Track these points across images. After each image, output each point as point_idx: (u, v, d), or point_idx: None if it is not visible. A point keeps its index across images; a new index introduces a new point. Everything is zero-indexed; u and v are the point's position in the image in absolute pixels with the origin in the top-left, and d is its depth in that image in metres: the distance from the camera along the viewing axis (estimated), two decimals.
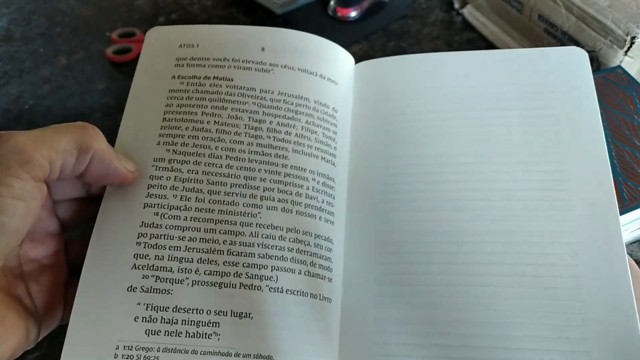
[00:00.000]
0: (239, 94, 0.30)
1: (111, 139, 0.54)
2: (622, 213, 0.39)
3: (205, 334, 0.24)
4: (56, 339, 0.41)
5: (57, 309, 0.26)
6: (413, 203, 0.28)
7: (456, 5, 0.66)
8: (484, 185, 0.27)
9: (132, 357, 0.23)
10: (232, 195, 0.27)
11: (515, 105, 0.29)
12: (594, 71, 0.51)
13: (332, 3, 0.67)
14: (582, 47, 0.52)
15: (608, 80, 0.48)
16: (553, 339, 0.23)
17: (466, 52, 0.32)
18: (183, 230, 0.26)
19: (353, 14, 0.66)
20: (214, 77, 0.31)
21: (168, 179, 0.28)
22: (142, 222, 0.26)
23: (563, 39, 0.53)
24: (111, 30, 0.66)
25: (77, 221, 0.27)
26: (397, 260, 0.27)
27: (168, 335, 0.24)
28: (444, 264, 0.26)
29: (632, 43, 0.48)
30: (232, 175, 0.28)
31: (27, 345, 0.24)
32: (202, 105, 0.30)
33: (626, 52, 0.49)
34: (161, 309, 0.24)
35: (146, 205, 0.27)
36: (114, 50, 0.63)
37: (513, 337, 0.23)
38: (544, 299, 0.24)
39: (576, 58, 0.30)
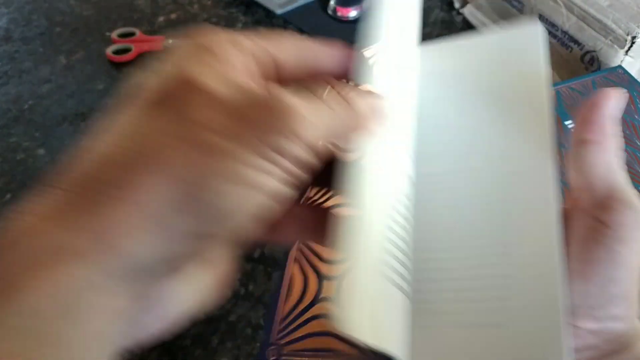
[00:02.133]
0: None
1: None
2: None
3: None
4: None
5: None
6: None
7: (457, 5, 0.66)
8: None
9: None
10: None
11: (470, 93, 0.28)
12: (594, 71, 0.51)
13: (332, 3, 0.67)
14: (583, 46, 0.52)
15: (608, 80, 0.48)
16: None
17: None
18: None
19: (353, 14, 0.66)
20: None
21: None
22: None
23: (563, 38, 0.53)
24: (111, 30, 0.66)
25: None
26: None
27: None
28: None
29: (632, 43, 0.48)
30: None
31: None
32: None
33: (627, 51, 0.49)
34: None
35: None
36: (113, 50, 0.63)
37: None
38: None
39: (529, 34, 0.27)
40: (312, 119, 0.17)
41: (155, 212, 0.15)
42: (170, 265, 0.16)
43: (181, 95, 0.17)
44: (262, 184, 0.16)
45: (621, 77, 0.48)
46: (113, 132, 0.17)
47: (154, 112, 0.17)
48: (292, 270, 0.38)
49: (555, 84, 0.48)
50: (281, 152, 0.16)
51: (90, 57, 0.64)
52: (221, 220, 0.16)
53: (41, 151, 0.53)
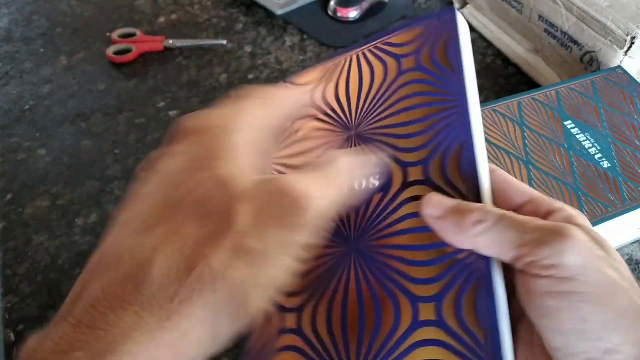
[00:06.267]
0: None
1: (111, 137, 0.55)
2: (622, 213, 0.39)
3: None
4: None
5: None
6: None
7: (456, 6, 0.66)
8: None
9: None
10: None
11: None
12: (593, 71, 0.51)
13: (332, 3, 0.67)
14: (582, 47, 0.52)
15: (608, 80, 0.48)
16: None
17: None
18: None
19: (353, 14, 0.66)
20: None
21: None
22: None
23: (563, 39, 0.53)
24: (111, 30, 0.66)
25: None
26: None
27: None
28: None
29: (631, 43, 0.48)
30: None
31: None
32: None
33: (626, 52, 0.49)
34: None
35: None
36: (114, 51, 0.63)
37: None
38: None
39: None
40: (318, 194, 0.19)
41: (206, 330, 0.16)
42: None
43: (223, 204, 0.18)
44: (284, 275, 0.18)
45: (620, 77, 0.48)
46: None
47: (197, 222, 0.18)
48: None
49: (554, 85, 0.48)
50: (299, 244, 0.18)
51: (91, 57, 0.64)
52: (255, 315, 0.18)
53: (42, 151, 0.53)
